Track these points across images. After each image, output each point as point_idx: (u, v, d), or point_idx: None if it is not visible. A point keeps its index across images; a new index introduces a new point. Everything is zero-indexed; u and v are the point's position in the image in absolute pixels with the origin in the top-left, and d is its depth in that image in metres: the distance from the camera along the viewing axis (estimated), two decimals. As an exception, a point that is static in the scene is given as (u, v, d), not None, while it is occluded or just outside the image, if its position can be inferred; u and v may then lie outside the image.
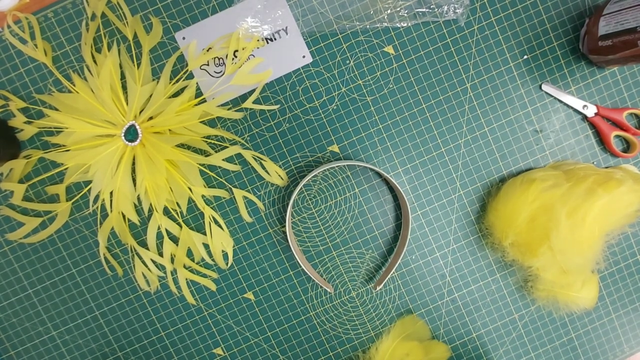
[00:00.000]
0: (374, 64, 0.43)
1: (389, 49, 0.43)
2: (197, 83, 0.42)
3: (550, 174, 0.41)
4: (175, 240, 0.44)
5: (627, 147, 0.45)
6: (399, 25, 0.42)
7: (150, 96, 0.42)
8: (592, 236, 0.39)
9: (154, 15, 0.42)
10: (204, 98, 0.43)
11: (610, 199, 0.38)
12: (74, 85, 0.42)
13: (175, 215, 0.44)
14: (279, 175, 0.43)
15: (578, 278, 0.41)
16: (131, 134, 0.41)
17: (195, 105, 0.42)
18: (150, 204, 0.42)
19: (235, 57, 0.42)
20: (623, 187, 0.38)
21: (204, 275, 0.44)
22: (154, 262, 0.44)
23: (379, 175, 0.44)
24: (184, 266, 0.44)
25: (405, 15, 0.42)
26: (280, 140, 0.44)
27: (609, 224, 0.39)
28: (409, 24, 0.42)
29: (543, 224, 0.39)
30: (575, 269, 0.40)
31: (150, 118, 0.42)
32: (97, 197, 0.43)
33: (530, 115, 0.44)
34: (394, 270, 0.43)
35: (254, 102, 0.43)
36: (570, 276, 0.41)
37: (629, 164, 0.45)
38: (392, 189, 0.44)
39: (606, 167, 0.44)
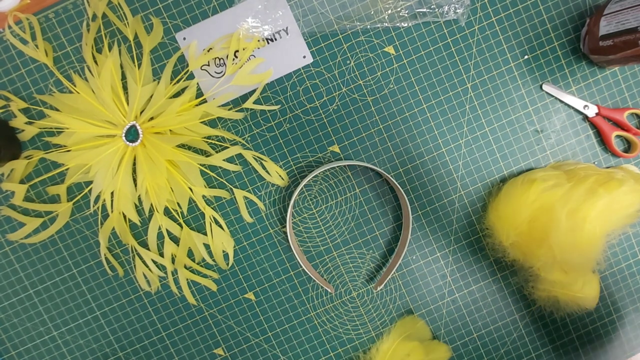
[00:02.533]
0: (374, 64, 0.43)
1: (390, 49, 0.43)
2: (197, 83, 0.42)
3: (551, 174, 0.41)
4: (176, 240, 0.44)
5: (628, 147, 0.45)
6: (399, 26, 0.42)
7: (151, 96, 0.42)
8: (593, 236, 0.39)
9: (155, 15, 0.42)
10: (205, 98, 0.43)
11: (611, 199, 0.38)
12: (75, 85, 0.42)
13: (176, 216, 0.44)
14: (280, 176, 0.43)
15: (579, 278, 0.41)
16: (132, 135, 0.41)
17: (196, 105, 0.42)
18: (151, 204, 0.42)
19: (236, 57, 0.42)
20: (624, 187, 0.38)
21: (205, 276, 0.44)
22: (154, 262, 0.44)
23: (380, 175, 0.44)
24: (185, 266, 0.44)
25: (406, 15, 0.42)
26: (281, 141, 0.44)
27: (610, 224, 0.39)
28: (410, 24, 0.42)
29: (544, 224, 0.39)
30: (576, 269, 0.40)
31: (151, 118, 0.42)
32: (97, 198, 0.43)
33: (531, 115, 0.44)
34: (394, 270, 0.43)
35: (254, 103, 0.43)
36: (571, 276, 0.41)
37: (629, 164, 0.44)
38: (392, 189, 0.44)
39: (607, 167, 0.44)
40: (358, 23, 0.42)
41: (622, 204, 0.39)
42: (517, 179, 0.42)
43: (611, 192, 0.38)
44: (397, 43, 0.43)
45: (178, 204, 0.43)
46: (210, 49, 0.42)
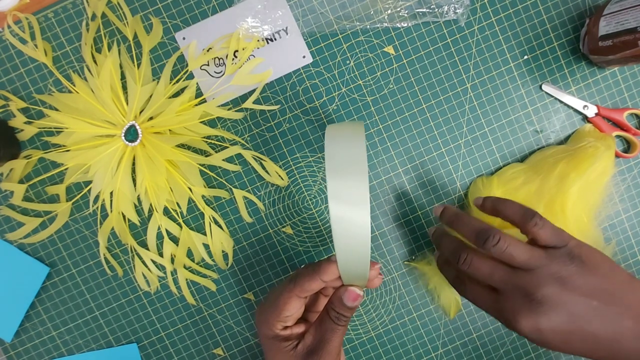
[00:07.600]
0: (374, 64, 0.43)
1: (389, 49, 0.43)
2: (197, 83, 0.42)
3: (518, 170, 0.41)
4: (175, 240, 0.44)
5: (628, 147, 0.45)
6: (399, 26, 0.42)
7: (151, 96, 0.42)
8: (579, 222, 0.38)
9: (154, 15, 0.42)
10: (204, 98, 0.43)
11: (585, 180, 0.38)
12: (74, 85, 0.42)
13: (176, 216, 0.44)
14: (279, 176, 0.43)
15: None
16: (131, 134, 0.41)
17: (196, 105, 0.42)
18: (151, 204, 0.42)
19: (236, 57, 0.42)
20: (596, 163, 0.38)
21: (204, 276, 0.44)
22: (154, 262, 0.44)
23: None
24: (184, 266, 0.44)
25: (406, 15, 0.42)
26: (281, 141, 0.44)
27: (593, 202, 0.39)
28: (409, 24, 0.42)
29: None
30: None
31: (151, 118, 0.42)
32: (97, 197, 0.43)
33: (531, 115, 0.44)
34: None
35: (254, 102, 0.43)
36: None
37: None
38: (392, 189, 0.44)
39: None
40: (358, 23, 0.42)
41: (596, 177, 0.38)
42: (477, 181, 0.42)
43: (583, 174, 0.38)
44: (396, 43, 0.43)
45: (177, 204, 0.43)
46: (210, 48, 0.42)
